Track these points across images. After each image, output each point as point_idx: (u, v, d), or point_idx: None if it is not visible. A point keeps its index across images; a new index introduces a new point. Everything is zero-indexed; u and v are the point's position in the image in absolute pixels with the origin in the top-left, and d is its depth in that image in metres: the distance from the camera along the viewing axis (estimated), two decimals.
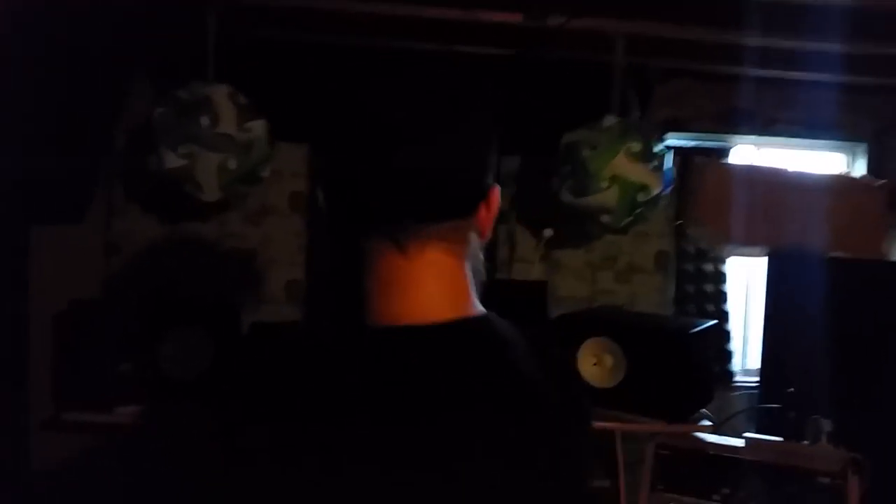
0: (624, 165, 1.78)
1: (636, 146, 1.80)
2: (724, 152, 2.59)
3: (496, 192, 0.77)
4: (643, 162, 1.80)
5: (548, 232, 2.17)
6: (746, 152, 2.68)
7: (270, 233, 2.33)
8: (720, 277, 2.61)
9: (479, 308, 0.76)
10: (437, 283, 0.73)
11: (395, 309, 0.71)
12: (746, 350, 2.77)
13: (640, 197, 1.82)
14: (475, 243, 0.77)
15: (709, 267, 2.59)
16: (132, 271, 2.21)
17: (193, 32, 1.91)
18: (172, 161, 1.72)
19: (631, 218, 1.88)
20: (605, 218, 1.86)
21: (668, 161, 1.89)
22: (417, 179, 0.70)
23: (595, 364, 2.01)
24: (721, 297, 2.61)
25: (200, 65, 1.89)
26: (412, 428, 0.67)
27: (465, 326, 0.73)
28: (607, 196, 1.80)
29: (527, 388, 0.72)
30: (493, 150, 0.79)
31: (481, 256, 0.79)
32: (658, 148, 1.85)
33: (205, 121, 1.71)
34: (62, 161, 2.05)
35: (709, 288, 2.60)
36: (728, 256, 2.58)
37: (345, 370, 0.68)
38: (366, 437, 0.66)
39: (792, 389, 2.05)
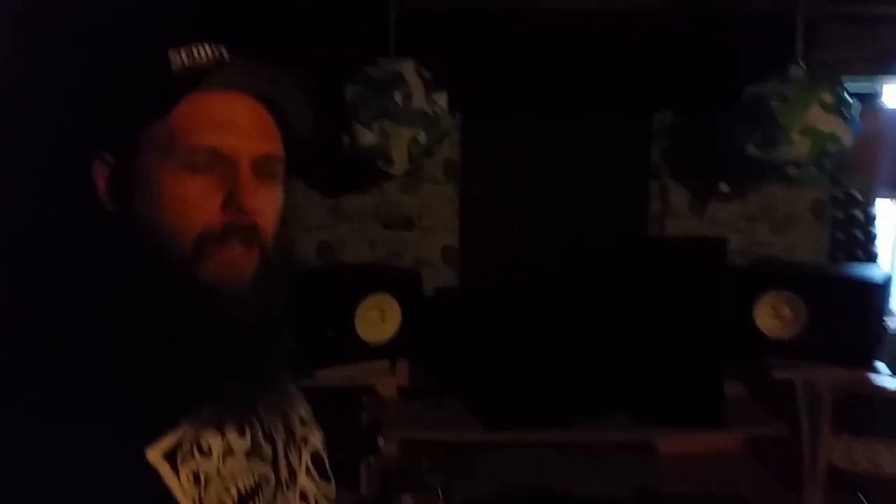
0: (817, 117, 1.77)
1: (829, 97, 1.78)
2: (875, 96, 2.52)
3: None
4: (835, 112, 1.78)
5: (724, 187, 2.17)
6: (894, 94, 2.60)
7: (427, 201, 2.39)
8: (870, 221, 2.57)
9: None
10: None
11: None
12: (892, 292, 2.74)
13: (832, 147, 1.81)
14: None
15: (856, 211, 2.55)
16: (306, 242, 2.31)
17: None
18: (367, 138, 1.77)
19: (819, 169, 1.86)
20: (793, 171, 1.86)
21: (857, 110, 1.87)
22: None
23: (773, 316, 2.04)
24: (871, 240, 2.58)
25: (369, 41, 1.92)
26: None
27: None
28: (799, 148, 1.79)
29: None
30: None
31: None
32: (847, 97, 1.82)
33: (398, 96, 1.75)
34: None
35: (858, 233, 2.57)
36: (880, 200, 2.54)
37: None
38: None
39: None
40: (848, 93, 1.88)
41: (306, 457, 0.87)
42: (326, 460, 0.91)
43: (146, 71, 0.76)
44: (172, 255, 0.71)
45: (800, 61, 1.90)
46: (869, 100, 2.49)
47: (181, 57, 0.74)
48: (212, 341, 0.71)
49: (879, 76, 2.48)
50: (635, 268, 2.12)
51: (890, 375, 2.03)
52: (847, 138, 1.82)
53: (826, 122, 1.78)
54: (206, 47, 0.75)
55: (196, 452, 0.72)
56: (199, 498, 0.71)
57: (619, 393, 2.15)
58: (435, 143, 1.90)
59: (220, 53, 0.76)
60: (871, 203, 2.56)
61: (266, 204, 0.75)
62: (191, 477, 0.71)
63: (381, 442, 1.96)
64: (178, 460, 0.70)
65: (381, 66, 1.79)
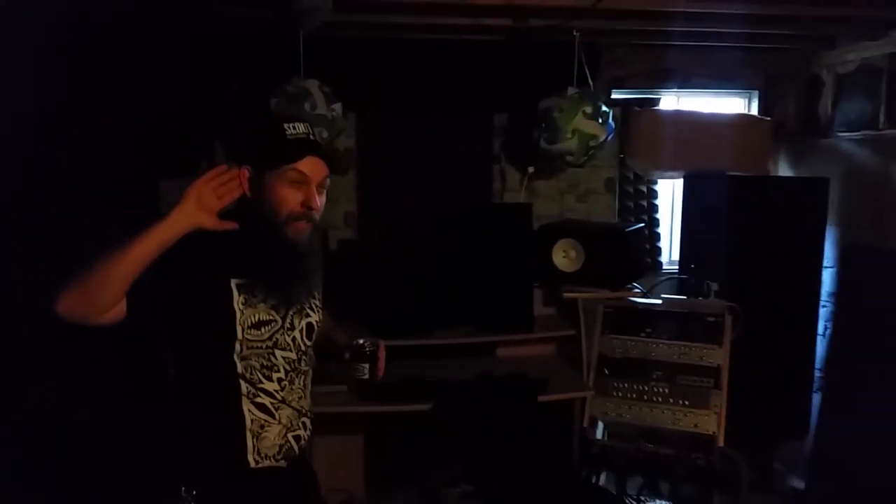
0: (581, 122, 2.72)
1: (589, 108, 2.73)
2: (654, 102, 3.50)
3: None
4: (594, 119, 2.74)
5: (531, 169, 3.11)
6: (671, 101, 3.61)
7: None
8: (652, 194, 3.58)
9: None
10: None
11: None
12: (671, 246, 3.78)
13: (592, 143, 2.77)
14: None
15: (643, 187, 3.56)
16: None
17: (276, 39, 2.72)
18: None
19: (586, 157, 2.83)
20: (569, 158, 2.81)
21: (611, 116, 2.84)
22: None
23: (564, 256, 3.00)
24: (653, 208, 3.58)
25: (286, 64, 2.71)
26: None
27: None
28: (570, 143, 2.74)
29: None
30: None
31: None
32: (604, 108, 2.79)
33: (307, 106, 2.58)
34: (182, 130, 2.87)
35: (643, 202, 3.58)
36: (657, 178, 3.55)
37: None
38: None
39: (693, 266, 3.07)
40: (606, 104, 2.83)
41: (303, 322, 1.63)
42: (316, 330, 1.67)
43: (275, 137, 1.50)
44: (276, 220, 1.48)
45: (577, 83, 2.84)
46: (649, 104, 3.48)
47: (292, 129, 1.51)
48: (288, 262, 1.49)
49: (656, 87, 3.48)
50: (477, 225, 3.04)
51: (641, 294, 3.05)
52: (603, 136, 2.79)
53: (588, 126, 2.74)
54: (301, 125, 1.52)
55: (249, 293, 1.51)
56: (241, 308, 1.50)
57: (468, 311, 3.06)
58: (335, 137, 2.75)
59: (309, 128, 1.54)
60: (652, 180, 3.58)
61: (320, 204, 1.52)
62: (241, 300, 1.51)
63: None
64: (241, 288, 1.51)
65: (294, 84, 2.62)
